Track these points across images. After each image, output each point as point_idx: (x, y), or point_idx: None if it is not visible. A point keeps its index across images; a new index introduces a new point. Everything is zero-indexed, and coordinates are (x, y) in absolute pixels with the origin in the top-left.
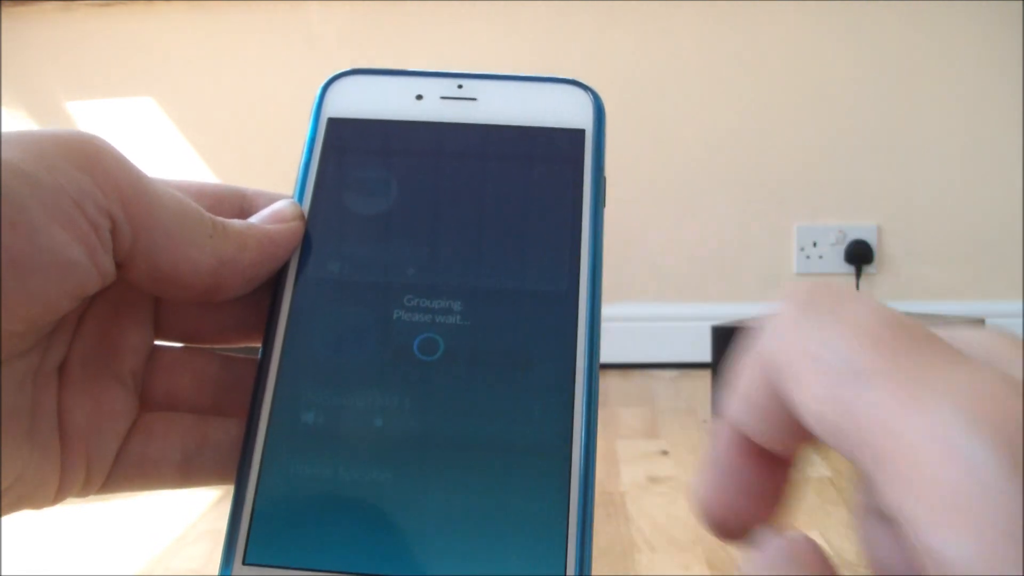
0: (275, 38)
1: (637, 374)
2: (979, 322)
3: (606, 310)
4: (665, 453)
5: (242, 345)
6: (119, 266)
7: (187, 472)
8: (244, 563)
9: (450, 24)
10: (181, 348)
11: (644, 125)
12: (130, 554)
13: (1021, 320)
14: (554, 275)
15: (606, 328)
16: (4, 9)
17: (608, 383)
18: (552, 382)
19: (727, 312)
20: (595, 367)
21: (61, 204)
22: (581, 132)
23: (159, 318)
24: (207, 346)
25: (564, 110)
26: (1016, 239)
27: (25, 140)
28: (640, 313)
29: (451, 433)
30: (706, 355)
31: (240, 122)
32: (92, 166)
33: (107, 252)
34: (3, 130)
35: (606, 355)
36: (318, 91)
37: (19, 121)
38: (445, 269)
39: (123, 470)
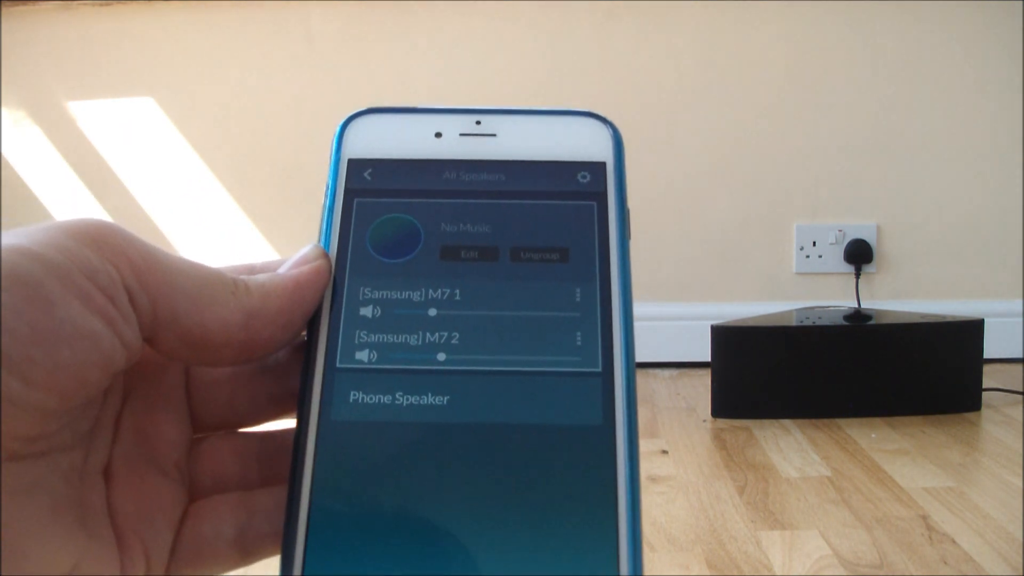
0: (275, 38)
1: (636, 373)
2: (979, 322)
3: None
4: (665, 452)
5: (280, 419)
6: (148, 340)
7: (244, 545)
8: None
9: (450, 24)
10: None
11: (643, 124)
12: None
13: (1021, 320)
14: (587, 311)
15: None
16: (4, 9)
17: None
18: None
19: (727, 311)
20: (633, 376)
21: (74, 279)
22: (602, 165)
23: (193, 407)
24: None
25: (583, 143)
26: (1016, 239)
27: (30, 230)
28: (639, 312)
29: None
30: (706, 354)
31: (240, 122)
32: (99, 244)
33: (128, 323)
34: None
35: None
36: (336, 132)
37: (19, 121)
38: (474, 311)
39: (182, 556)
